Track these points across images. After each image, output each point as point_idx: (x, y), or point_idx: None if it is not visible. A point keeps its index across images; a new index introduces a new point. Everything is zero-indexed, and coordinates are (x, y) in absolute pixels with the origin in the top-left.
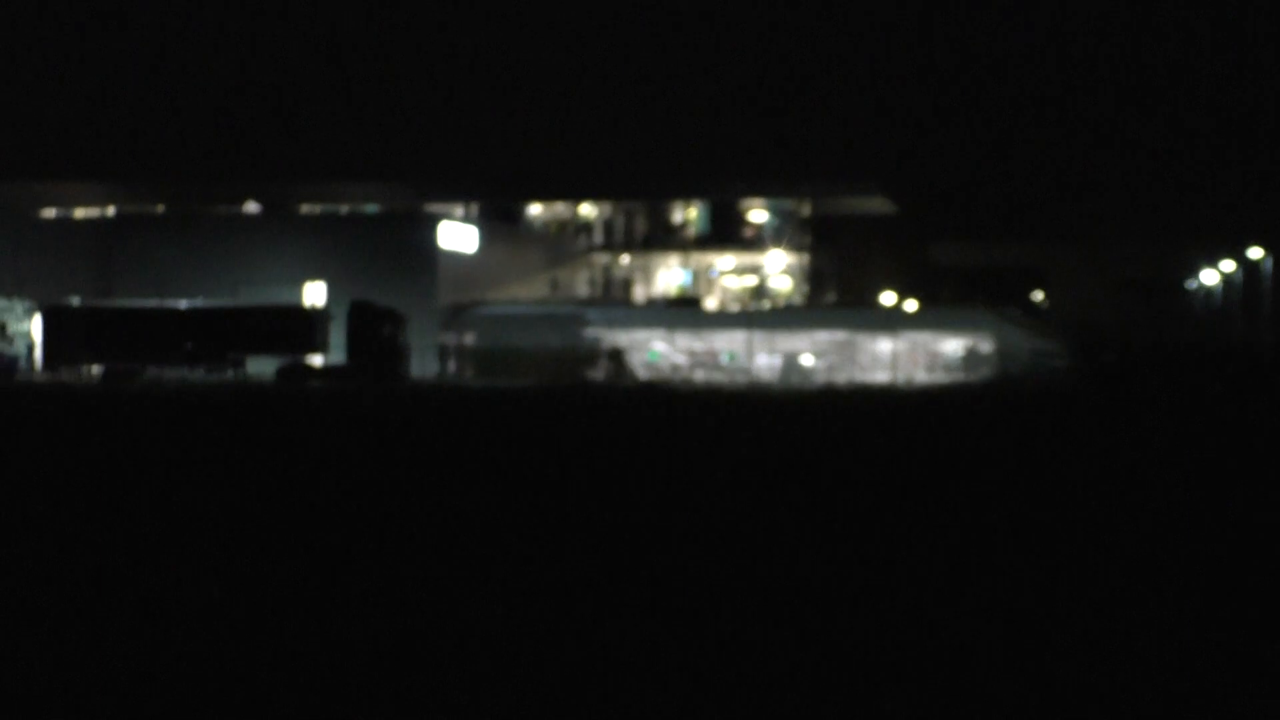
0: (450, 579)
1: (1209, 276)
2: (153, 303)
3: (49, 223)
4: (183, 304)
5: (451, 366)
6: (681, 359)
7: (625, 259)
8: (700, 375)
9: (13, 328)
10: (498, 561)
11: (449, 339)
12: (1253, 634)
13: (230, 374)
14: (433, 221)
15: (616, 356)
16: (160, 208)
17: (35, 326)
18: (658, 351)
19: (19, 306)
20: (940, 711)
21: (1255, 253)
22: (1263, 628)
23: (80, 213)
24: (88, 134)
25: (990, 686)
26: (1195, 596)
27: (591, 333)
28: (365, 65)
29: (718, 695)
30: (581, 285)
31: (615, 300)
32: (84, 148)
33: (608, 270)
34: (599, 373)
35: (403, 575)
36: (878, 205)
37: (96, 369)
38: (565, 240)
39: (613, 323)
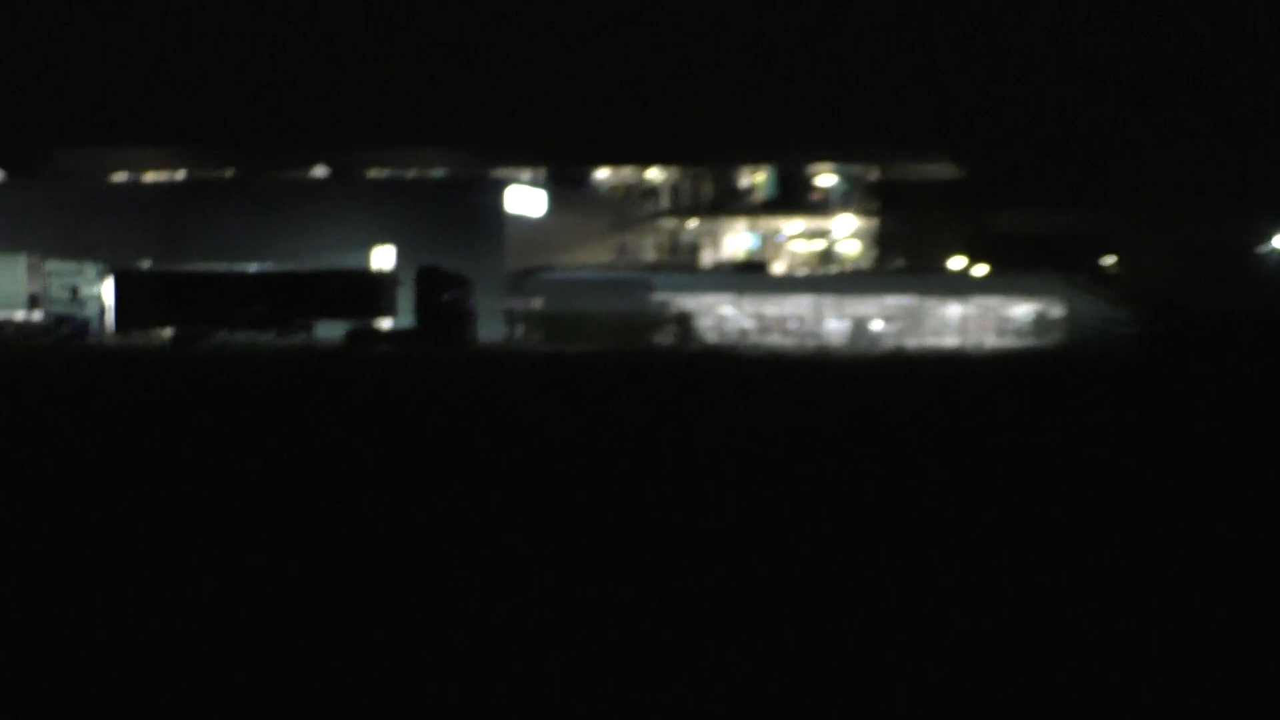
0: (522, 546)
1: None
2: (222, 267)
3: (119, 187)
4: (252, 268)
5: (518, 332)
6: (749, 324)
7: (692, 224)
8: (768, 340)
9: (84, 291)
10: (566, 529)
11: (516, 304)
12: None
13: (299, 338)
14: (500, 186)
15: (683, 322)
16: (229, 172)
17: (106, 290)
18: (725, 316)
19: (90, 270)
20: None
21: None
22: None
23: (150, 177)
24: (157, 99)
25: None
26: (1262, 574)
27: (658, 298)
28: (432, 29)
29: (823, 661)
30: (648, 250)
31: (682, 265)
32: (153, 113)
33: (674, 235)
34: (666, 338)
35: (476, 542)
36: (945, 170)
37: (167, 332)
38: (632, 205)
39: (679, 288)
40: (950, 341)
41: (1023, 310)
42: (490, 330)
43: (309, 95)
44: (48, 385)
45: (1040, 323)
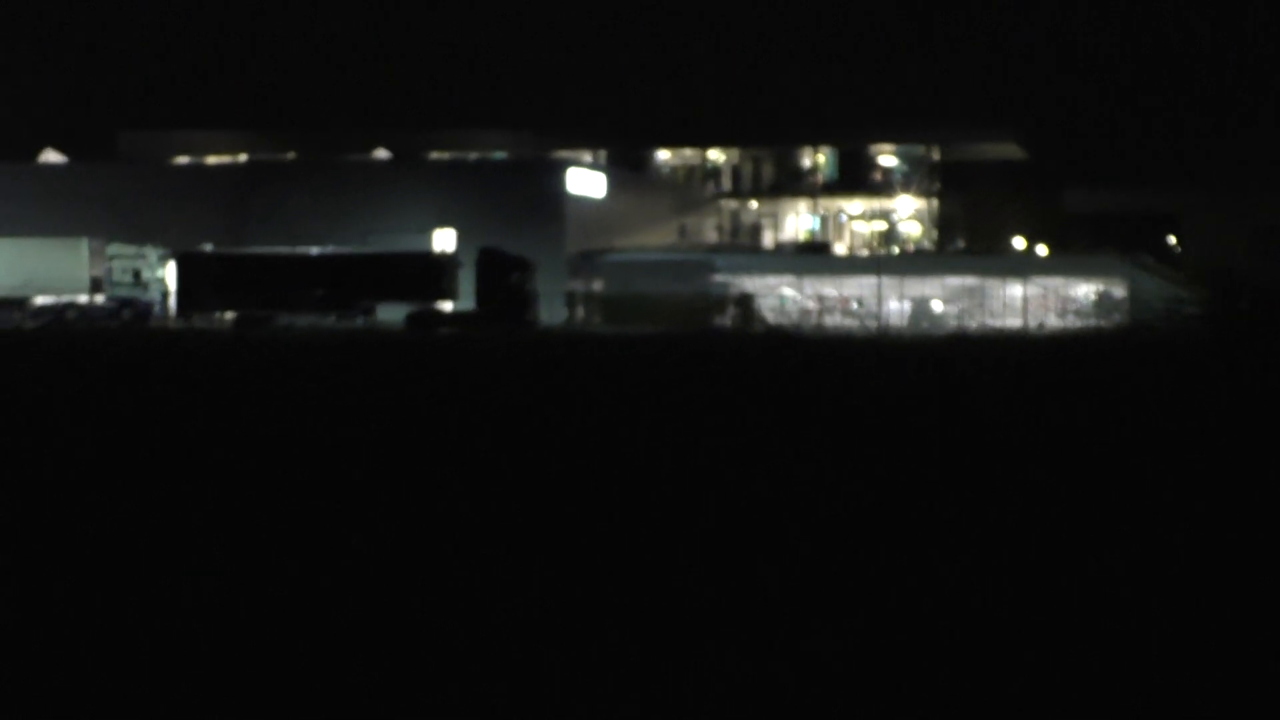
0: (585, 516)
1: None
2: (284, 250)
3: (182, 170)
4: (314, 251)
5: (579, 313)
6: (810, 305)
7: (753, 205)
8: (829, 321)
9: (147, 275)
10: (628, 502)
11: (577, 286)
12: None
13: (361, 320)
14: (561, 168)
15: (745, 303)
16: (292, 155)
17: (169, 273)
18: (787, 298)
19: (153, 254)
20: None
21: None
22: None
23: (213, 160)
24: (219, 82)
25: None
26: None
27: (720, 280)
28: (494, 12)
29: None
30: (709, 232)
31: (743, 246)
32: (216, 96)
33: (736, 216)
34: (727, 319)
35: (543, 514)
36: (1008, 151)
37: (229, 315)
38: (693, 187)
39: (740, 269)
40: (1012, 322)
41: (1085, 291)
42: (551, 312)
43: (371, 78)
44: (113, 368)
45: (1103, 303)
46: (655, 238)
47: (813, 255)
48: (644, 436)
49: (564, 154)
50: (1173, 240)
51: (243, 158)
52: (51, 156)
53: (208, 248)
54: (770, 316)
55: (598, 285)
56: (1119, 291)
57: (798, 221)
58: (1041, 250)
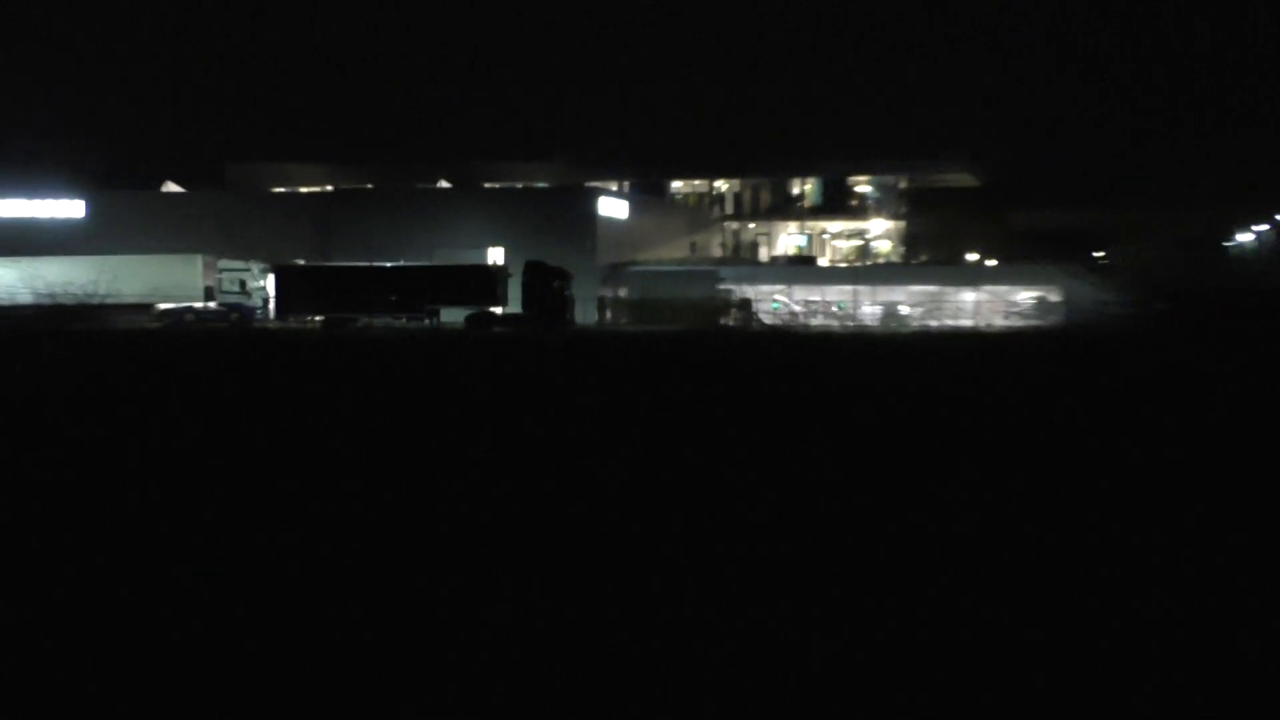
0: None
1: (1244, 236)
2: (363, 263)
3: (278, 197)
4: (388, 264)
5: (608, 315)
6: (799, 308)
7: (751, 225)
8: (814, 321)
9: (250, 284)
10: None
11: (606, 292)
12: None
13: (426, 321)
14: (592, 195)
15: (745, 306)
16: (369, 185)
17: (269, 283)
18: (779, 302)
19: (255, 267)
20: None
21: None
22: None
23: (304, 189)
24: (310, 123)
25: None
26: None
27: (724, 287)
28: (537, 66)
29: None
30: (715, 248)
31: (743, 260)
32: (307, 134)
33: (737, 235)
34: (730, 320)
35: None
36: (963, 179)
37: (319, 317)
38: (702, 210)
39: (741, 278)
40: (966, 322)
41: (1026, 295)
42: (585, 315)
43: (434, 119)
44: (228, 360)
45: (1041, 305)
46: (670, 252)
47: (801, 266)
48: (665, 410)
49: (595, 183)
50: (1098, 253)
51: (329, 187)
52: (170, 187)
53: (300, 262)
54: (766, 317)
55: (623, 291)
56: (1055, 296)
57: (788, 239)
58: (990, 262)
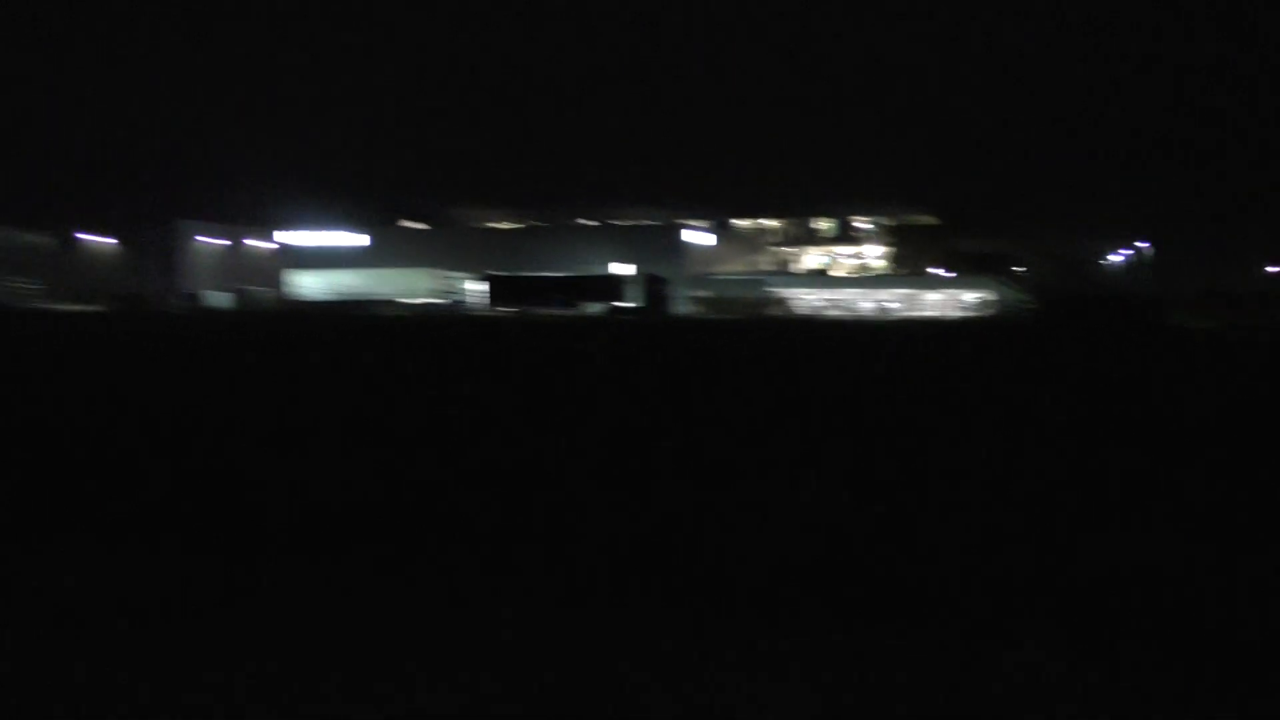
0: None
1: (1115, 256)
2: (539, 274)
3: (481, 230)
4: (554, 274)
5: (694, 308)
6: (819, 304)
7: (790, 249)
8: (830, 313)
9: (462, 288)
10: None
11: (692, 294)
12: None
13: (579, 312)
14: (681, 229)
15: (783, 303)
16: (541, 221)
17: (480, 287)
18: (807, 300)
19: (463, 278)
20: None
21: (1142, 243)
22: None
23: (499, 225)
24: (500, 175)
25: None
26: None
27: (770, 290)
28: (641, 141)
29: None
30: (765, 264)
31: (783, 272)
32: (497, 185)
33: (779, 256)
34: (774, 312)
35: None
36: (927, 218)
37: (513, 309)
38: (756, 238)
39: (782, 285)
40: (931, 313)
41: (971, 297)
42: (679, 308)
43: (580, 177)
44: (447, 335)
45: (980, 304)
46: (734, 267)
47: (821, 277)
48: (734, 365)
49: (683, 220)
50: (1019, 268)
51: (516, 225)
52: (405, 223)
53: (499, 273)
54: (797, 310)
55: (702, 293)
56: (990, 297)
57: (813, 259)
58: (947, 274)
